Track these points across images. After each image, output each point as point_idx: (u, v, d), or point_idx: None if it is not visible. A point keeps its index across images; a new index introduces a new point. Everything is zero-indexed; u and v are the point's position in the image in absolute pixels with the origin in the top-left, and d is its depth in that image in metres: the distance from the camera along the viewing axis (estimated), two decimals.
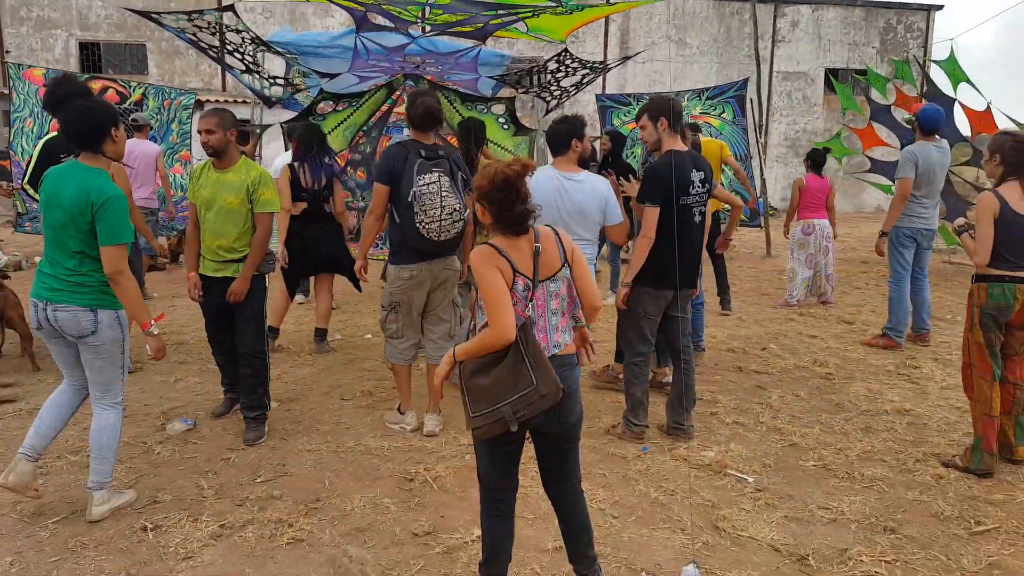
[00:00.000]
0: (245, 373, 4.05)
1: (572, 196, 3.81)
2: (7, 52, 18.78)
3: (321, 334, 5.86)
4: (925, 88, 10.17)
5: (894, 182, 10.61)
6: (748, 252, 12.04)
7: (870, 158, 11.14)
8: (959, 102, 9.50)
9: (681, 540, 3.02)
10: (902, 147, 10.76)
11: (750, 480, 3.57)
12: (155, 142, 9.75)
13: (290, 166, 5.44)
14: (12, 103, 9.25)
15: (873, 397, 4.81)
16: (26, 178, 5.65)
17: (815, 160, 7.53)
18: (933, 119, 5.77)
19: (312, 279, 6.47)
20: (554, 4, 5.50)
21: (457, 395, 4.74)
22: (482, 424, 2.27)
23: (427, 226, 3.77)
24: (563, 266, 2.40)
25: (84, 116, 3.00)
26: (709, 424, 4.33)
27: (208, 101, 17.85)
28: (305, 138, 5.51)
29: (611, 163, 7.19)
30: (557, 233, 2.44)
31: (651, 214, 3.81)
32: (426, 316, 4.15)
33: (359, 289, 5.92)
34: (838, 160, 11.70)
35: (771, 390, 4.95)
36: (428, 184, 3.75)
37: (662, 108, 3.86)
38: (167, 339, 6.16)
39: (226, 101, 18.05)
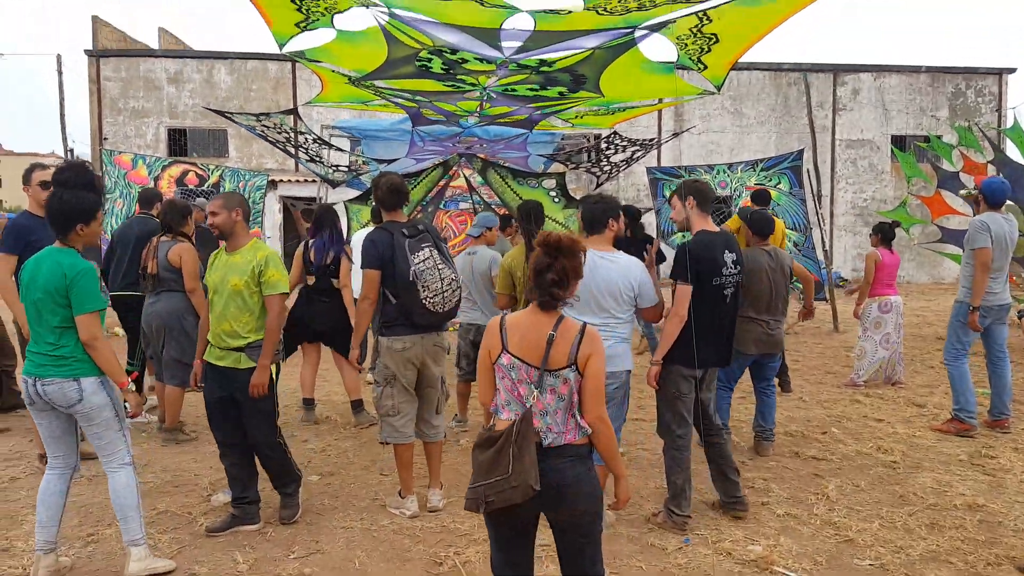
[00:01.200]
0: (265, 463, 3.96)
1: (605, 274, 3.77)
2: (105, 139, 20.47)
3: (356, 406, 5.89)
4: (993, 156, 9.80)
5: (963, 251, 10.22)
6: (815, 327, 11.61)
7: (941, 227, 10.70)
8: None
9: None
10: (975, 214, 10.37)
11: None
12: None
13: (304, 244, 5.76)
14: (105, 186, 10.03)
15: (941, 490, 4.46)
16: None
17: (885, 234, 7.19)
18: (1000, 191, 5.54)
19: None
20: (597, 108, 5.66)
21: None
22: (467, 496, 2.35)
23: (431, 300, 3.89)
24: (569, 367, 2.32)
25: (61, 206, 3.22)
26: (759, 515, 4.09)
27: (282, 181, 18.87)
28: (317, 219, 5.81)
29: (629, 238, 6.97)
30: (583, 334, 2.34)
31: (684, 292, 3.79)
32: (421, 393, 4.14)
33: (346, 358, 5.83)
34: (906, 230, 11.30)
35: (829, 479, 4.66)
36: (424, 260, 3.89)
37: (689, 189, 3.94)
38: None
39: (298, 180, 19.02)
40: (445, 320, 4.06)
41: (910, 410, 6.39)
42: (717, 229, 3.98)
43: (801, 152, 10.59)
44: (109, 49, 21.42)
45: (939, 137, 11.23)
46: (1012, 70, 23.17)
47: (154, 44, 24.25)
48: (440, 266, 3.93)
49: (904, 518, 4.03)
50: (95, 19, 21.48)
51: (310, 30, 4.05)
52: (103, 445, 3.28)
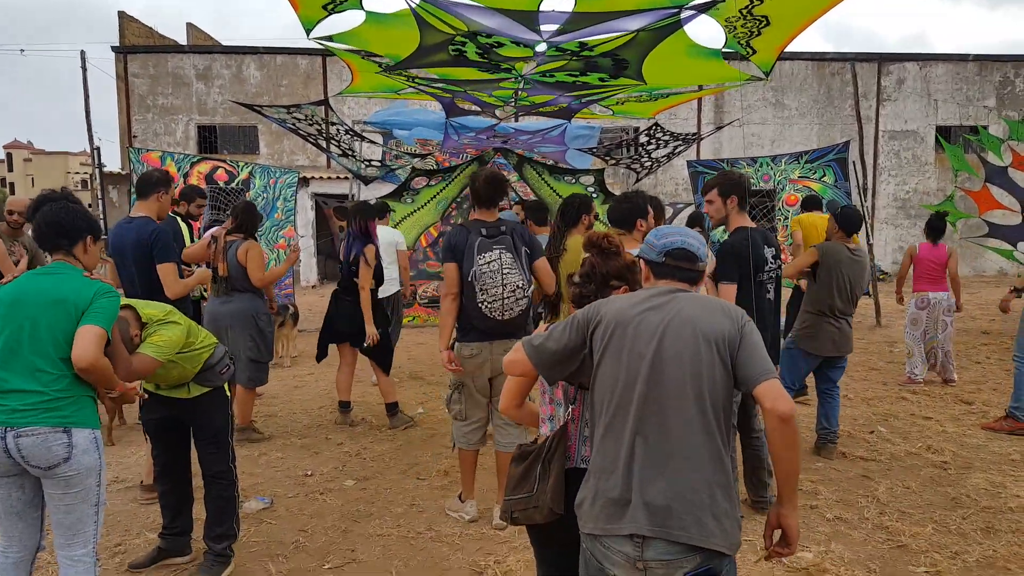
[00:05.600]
0: (210, 496, 3.40)
1: None
2: (134, 137, 20.69)
3: (391, 409, 5.80)
4: None
5: (1015, 247, 9.82)
6: (856, 321, 11.29)
7: (987, 222, 10.35)
8: None
9: None
10: None
11: None
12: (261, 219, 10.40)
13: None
14: (132, 184, 10.05)
15: (995, 491, 4.28)
16: None
17: (931, 226, 7.03)
18: None
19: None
20: (638, 95, 5.49)
21: None
22: (501, 508, 2.31)
23: (489, 305, 3.66)
24: None
25: (61, 214, 2.62)
26: (808, 520, 3.94)
27: (314, 178, 18.94)
28: (350, 216, 5.77)
29: None
30: None
31: (729, 292, 3.66)
32: (492, 401, 4.00)
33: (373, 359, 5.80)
34: (952, 224, 10.94)
35: (878, 480, 4.50)
36: (488, 263, 3.65)
37: (734, 186, 3.82)
38: (258, 411, 6.06)
39: (330, 178, 19.07)
40: (507, 329, 3.76)
41: (958, 407, 6.17)
42: (753, 224, 3.89)
43: (847, 144, 10.28)
44: (137, 45, 21.44)
45: (986, 128, 10.82)
46: None
47: (182, 40, 24.30)
48: (507, 271, 3.65)
49: (958, 521, 3.87)
50: (122, 15, 21.46)
51: (338, 12, 3.94)
52: (68, 522, 2.48)
